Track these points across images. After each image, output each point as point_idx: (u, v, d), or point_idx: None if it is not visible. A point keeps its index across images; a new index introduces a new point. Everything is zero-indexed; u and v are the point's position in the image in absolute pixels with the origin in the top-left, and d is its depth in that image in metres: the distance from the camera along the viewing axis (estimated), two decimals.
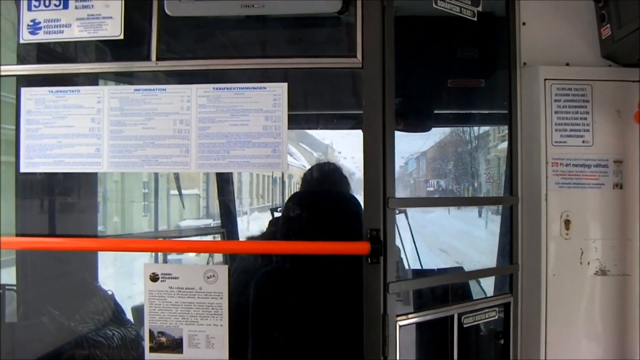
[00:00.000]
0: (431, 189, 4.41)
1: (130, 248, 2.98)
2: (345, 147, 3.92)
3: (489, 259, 3.36)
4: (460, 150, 4.27)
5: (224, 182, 4.30)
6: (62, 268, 3.21)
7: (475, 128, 4.11)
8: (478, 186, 3.96)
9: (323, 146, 4.38)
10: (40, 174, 2.90)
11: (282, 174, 4.49)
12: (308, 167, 3.43)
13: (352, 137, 3.88)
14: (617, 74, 3.01)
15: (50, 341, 3.10)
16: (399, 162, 2.74)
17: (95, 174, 3.29)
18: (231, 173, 4.22)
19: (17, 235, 3.03)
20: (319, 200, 3.11)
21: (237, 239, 4.24)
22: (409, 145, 3.78)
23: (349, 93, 3.50)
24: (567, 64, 3.02)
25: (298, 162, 3.88)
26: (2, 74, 2.84)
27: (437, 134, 4.10)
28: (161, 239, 4.10)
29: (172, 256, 3.23)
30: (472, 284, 3.34)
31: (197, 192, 4.82)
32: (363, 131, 2.60)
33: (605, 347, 3.01)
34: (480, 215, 4.41)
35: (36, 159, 2.73)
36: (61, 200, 3.27)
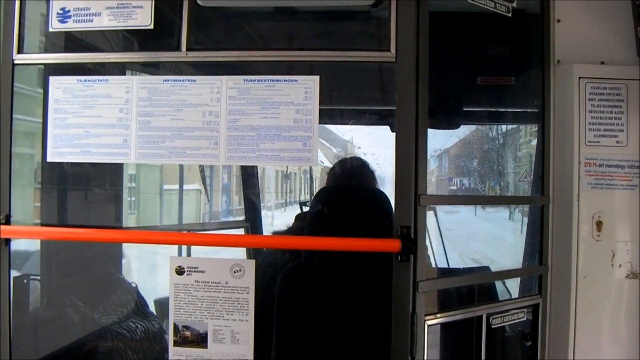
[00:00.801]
0: (454, 187, 4.36)
1: (153, 240, 2.96)
2: (369, 143, 3.89)
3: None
4: (487, 147, 4.22)
5: (249, 175, 4.27)
6: (86, 259, 3.19)
7: (505, 125, 4.08)
8: (505, 185, 3.92)
9: (342, 141, 4.35)
10: (65, 163, 2.89)
11: (299, 169, 4.47)
12: (327, 162, 3.40)
13: (377, 133, 3.86)
14: None
15: (74, 332, 3.09)
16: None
17: (121, 164, 3.28)
18: (256, 167, 4.19)
19: (41, 224, 3.03)
20: (348, 195, 3.08)
21: (262, 233, 4.22)
22: (433, 142, 3.74)
23: (377, 89, 3.47)
24: (602, 63, 2.97)
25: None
26: (31, 62, 2.83)
27: (464, 130, 4.06)
28: (185, 232, 4.09)
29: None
30: (499, 286, 3.31)
31: (197, 186, 4.69)
32: (395, 127, 2.55)
33: (633, 351, 2.96)
34: (510, 217, 4.30)
35: (63, 149, 2.70)
36: (85, 190, 3.27)
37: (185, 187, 4.47)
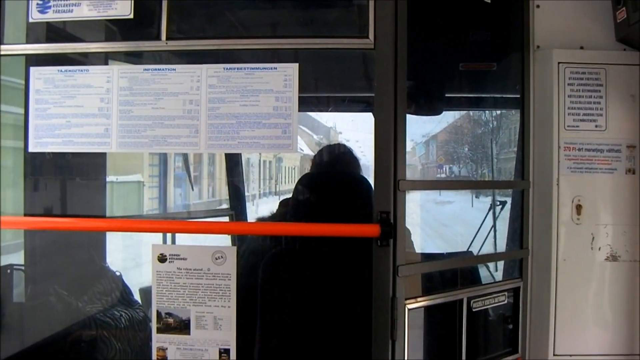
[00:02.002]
0: (443, 175, 4.35)
1: (137, 228, 2.98)
2: (352, 129, 3.89)
3: None
4: (479, 133, 4.19)
5: (233, 163, 4.26)
6: (70, 248, 3.20)
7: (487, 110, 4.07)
8: (497, 171, 3.91)
9: (325, 129, 4.33)
10: (47, 154, 2.89)
11: (274, 157, 4.46)
12: (307, 150, 3.40)
13: (360, 120, 3.87)
14: (632, 58, 2.98)
15: (58, 321, 3.11)
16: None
17: (104, 154, 3.29)
18: (240, 155, 4.20)
19: (25, 215, 3.04)
20: (330, 182, 3.09)
21: (246, 220, 4.23)
22: (418, 129, 3.72)
23: (359, 76, 3.48)
24: (582, 48, 2.99)
25: None
26: (12, 53, 2.83)
27: (451, 116, 4.04)
28: (170, 220, 4.09)
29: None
30: (484, 273, 3.33)
31: (139, 178, 4.40)
32: (374, 113, 2.57)
33: (615, 334, 3.00)
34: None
35: (45, 139, 2.71)
36: (69, 180, 3.27)
37: (123, 178, 4.18)
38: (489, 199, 4.17)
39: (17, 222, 2.90)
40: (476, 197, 4.64)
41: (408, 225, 2.71)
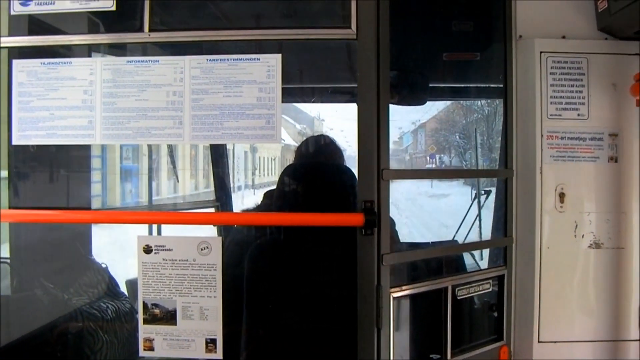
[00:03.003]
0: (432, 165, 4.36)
1: (123, 220, 2.99)
2: (332, 119, 3.89)
3: None
4: (466, 123, 4.20)
5: (219, 155, 4.26)
6: (56, 241, 3.20)
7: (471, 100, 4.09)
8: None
9: (307, 119, 4.32)
10: (32, 146, 2.89)
11: (250, 147, 4.46)
12: (289, 140, 3.40)
13: (345, 110, 3.88)
14: (614, 47, 3.00)
15: (44, 314, 3.10)
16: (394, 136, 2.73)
17: (89, 146, 3.28)
18: (225, 146, 4.19)
19: (10, 208, 3.04)
20: (314, 172, 3.10)
21: (232, 211, 4.22)
22: (402, 119, 3.73)
23: (342, 66, 3.49)
24: (564, 37, 3.01)
25: None
26: None
27: (441, 105, 4.04)
28: (155, 211, 4.08)
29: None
30: (470, 261, 3.35)
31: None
32: (357, 103, 2.58)
33: (598, 320, 3.03)
34: None
35: (28, 132, 2.70)
36: (54, 173, 3.27)
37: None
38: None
39: (14, 215, 2.92)
40: (474, 189, 4.64)
41: (400, 225, 2.75)
